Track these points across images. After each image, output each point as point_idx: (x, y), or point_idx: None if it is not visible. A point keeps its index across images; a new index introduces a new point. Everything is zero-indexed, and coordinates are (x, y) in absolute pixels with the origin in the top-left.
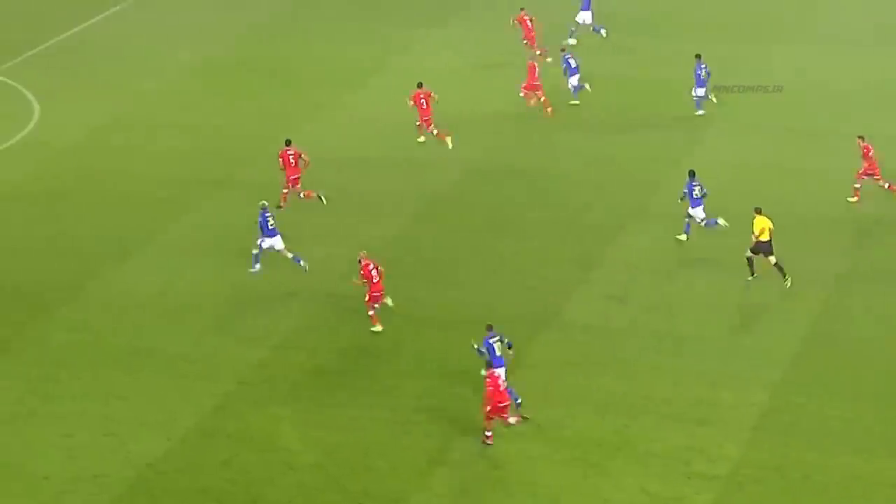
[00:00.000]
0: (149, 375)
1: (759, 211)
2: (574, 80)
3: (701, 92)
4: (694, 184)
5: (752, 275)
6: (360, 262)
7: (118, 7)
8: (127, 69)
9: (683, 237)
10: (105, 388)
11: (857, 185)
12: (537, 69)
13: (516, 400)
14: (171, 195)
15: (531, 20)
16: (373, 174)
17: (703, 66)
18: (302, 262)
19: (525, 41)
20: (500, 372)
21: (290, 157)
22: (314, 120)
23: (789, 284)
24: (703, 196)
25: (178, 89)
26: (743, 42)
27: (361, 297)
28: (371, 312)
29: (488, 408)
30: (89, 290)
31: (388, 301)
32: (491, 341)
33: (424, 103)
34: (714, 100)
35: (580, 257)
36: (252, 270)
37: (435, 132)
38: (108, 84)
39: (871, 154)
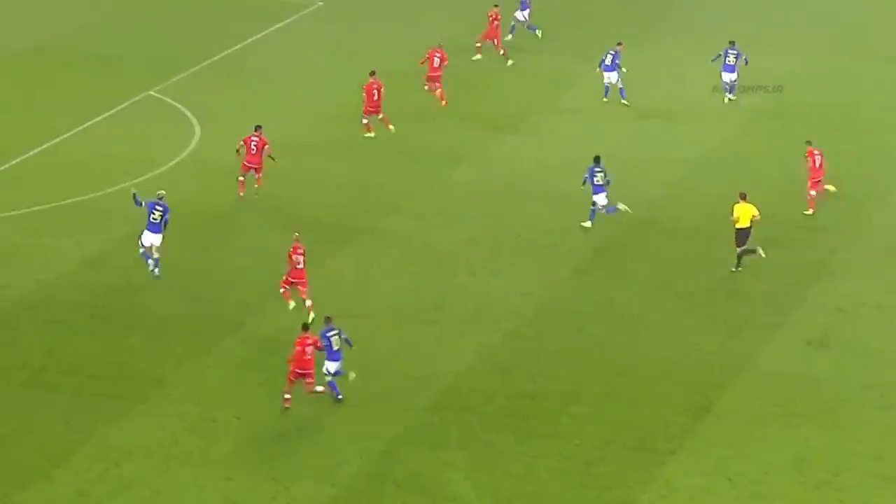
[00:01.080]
0: (311, 416)
1: (743, 197)
2: (612, 78)
3: (729, 78)
4: (597, 169)
5: (738, 267)
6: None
7: (282, 23)
8: (292, 87)
9: (588, 224)
10: (266, 428)
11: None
12: (437, 60)
13: (338, 396)
14: (337, 221)
15: (498, 18)
16: (549, 210)
17: (732, 51)
18: (157, 271)
19: (487, 39)
20: (333, 366)
21: (253, 143)
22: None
23: (763, 254)
24: (607, 183)
25: (349, 108)
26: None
27: (543, 342)
28: (282, 290)
29: (290, 370)
30: (249, 324)
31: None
32: (328, 335)
33: (376, 94)
34: (727, 98)
35: (777, 298)
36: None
37: (372, 119)
38: (271, 102)
39: (817, 160)
